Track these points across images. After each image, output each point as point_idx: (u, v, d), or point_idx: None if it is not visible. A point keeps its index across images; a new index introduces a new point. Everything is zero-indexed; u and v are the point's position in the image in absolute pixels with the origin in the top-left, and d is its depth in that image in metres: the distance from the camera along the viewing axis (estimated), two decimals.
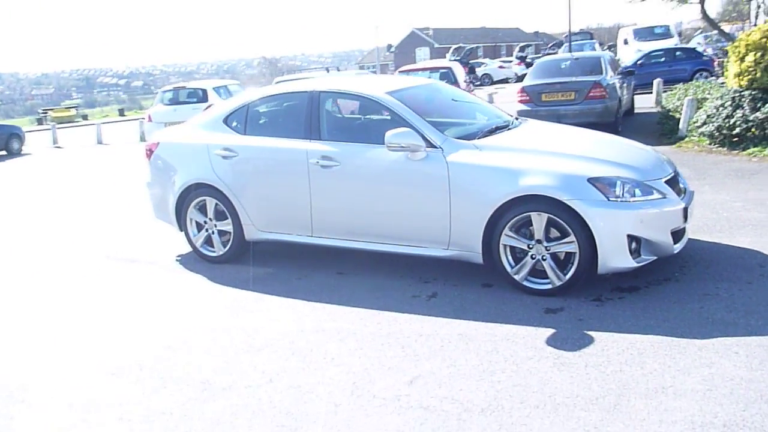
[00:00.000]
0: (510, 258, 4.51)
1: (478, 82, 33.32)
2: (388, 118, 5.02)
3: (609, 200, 4.19)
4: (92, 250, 6.66)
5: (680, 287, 4.40)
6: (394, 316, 4.33)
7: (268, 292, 4.99)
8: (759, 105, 8.75)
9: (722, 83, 12.03)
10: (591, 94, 11.14)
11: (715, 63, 20.88)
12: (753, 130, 8.76)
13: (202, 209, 5.76)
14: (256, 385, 3.54)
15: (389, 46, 67.51)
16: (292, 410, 3.25)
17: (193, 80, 26.20)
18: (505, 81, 34.86)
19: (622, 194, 4.23)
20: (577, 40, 29.74)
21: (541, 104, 11.42)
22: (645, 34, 26.26)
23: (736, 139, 9.01)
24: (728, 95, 9.33)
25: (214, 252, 5.81)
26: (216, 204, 5.65)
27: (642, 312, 4.06)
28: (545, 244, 4.36)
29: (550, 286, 4.40)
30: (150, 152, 6.12)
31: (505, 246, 4.48)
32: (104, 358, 4.04)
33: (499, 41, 73.88)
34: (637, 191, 4.28)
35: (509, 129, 5.19)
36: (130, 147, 18.31)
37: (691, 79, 19.44)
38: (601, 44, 32.61)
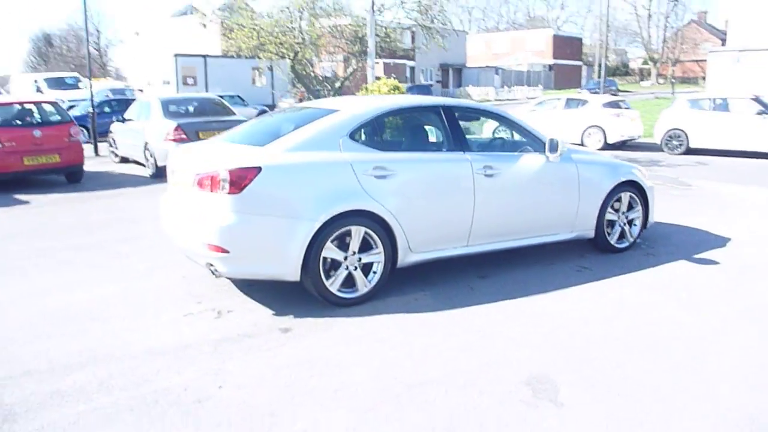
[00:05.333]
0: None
1: None
2: (507, 130, 5.79)
3: (646, 182, 6.49)
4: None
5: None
6: (611, 282, 5.45)
7: (483, 302, 4.99)
8: None
9: None
10: None
11: None
12: None
13: (340, 243, 4.80)
14: None
15: None
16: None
17: None
18: None
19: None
20: None
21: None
22: (57, 83, 25.67)
23: None
24: None
25: (355, 292, 4.89)
26: (365, 233, 4.85)
27: (677, 249, 6.58)
28: (626, 214, 6.31)
29: (628, 244, 6.36)
30: (240, 182, 4.47)
31: (607, 221, 6.16)
32: None
33: None
34: None
35: None
36: None
37: None
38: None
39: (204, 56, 29.27)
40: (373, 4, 13.03)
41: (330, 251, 4.72)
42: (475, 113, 5.83)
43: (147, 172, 12.12)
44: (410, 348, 4.15)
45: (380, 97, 6.10)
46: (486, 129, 6.25)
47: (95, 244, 6.98)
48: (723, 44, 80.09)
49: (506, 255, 5.97)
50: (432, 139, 5.51)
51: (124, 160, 14.01)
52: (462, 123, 5.59)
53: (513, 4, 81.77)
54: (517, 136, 5.91)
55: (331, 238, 4.69)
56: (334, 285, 4.77)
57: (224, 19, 14.13)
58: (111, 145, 14.31)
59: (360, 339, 4.30)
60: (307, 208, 4.61)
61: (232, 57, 32.14)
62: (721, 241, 6.69)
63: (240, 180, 4.47)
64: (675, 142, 15.93)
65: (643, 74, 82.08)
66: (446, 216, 5.23)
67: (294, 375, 3.78)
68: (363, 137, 5.03)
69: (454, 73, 53.07)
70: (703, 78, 71.78)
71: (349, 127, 4.96)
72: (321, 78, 14.17)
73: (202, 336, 4.38)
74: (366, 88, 12.53)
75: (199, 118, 11.72)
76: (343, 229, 4.74)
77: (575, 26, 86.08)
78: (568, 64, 63.95)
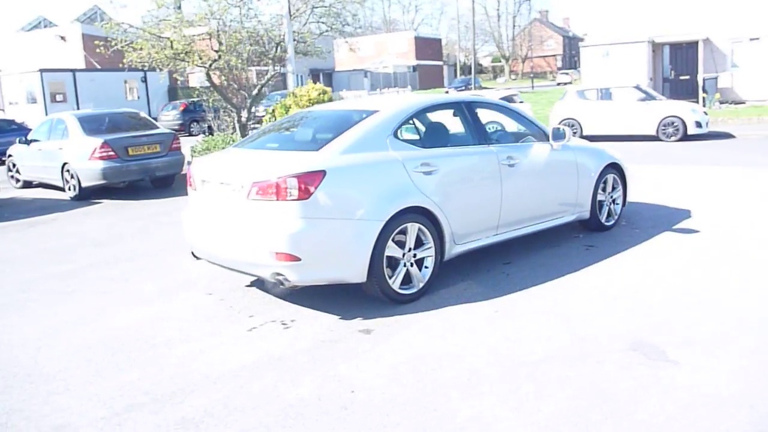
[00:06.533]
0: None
1: None
2: (514, 122, 6.11)
3: (624, 164, 7.07)
4: None
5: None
6: (624, 255, 5.92)
7: (528, 285, 5.27)
8: None
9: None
10: (174, 146, 11.40)
11: None
12: None
13: (398, 241, 4.86)
14: None
15: None
16: None
17: None
18: None
19: None
20: None
21: (129, 159, 10.75)
22: None
23: None
24: None
25: (412, 288, 4.96)
26: (419, 229, 4.95)
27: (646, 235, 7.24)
28: (611, 194, 6.86)
29: (613, 222, 6.91)
30: (308, 187, 4.40)
31: (598, 201, 6.66)
32: None
33: None
34: None
35: None
36: None
37: None
38: None
39: (72, 70, 27.28)
40: (289, 9, 12.93)
41: (391, 249, 4.76)
42: (487, 107, 6.06)
43: (67, 194, 11.21)
44: (502, 333, 4.30)
45: (409, 96, 6.17)
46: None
47: (77, 271, 6.45)
48: (564, 41, 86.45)
49: (514, 243, 6.24)
50: (459, 133, 5.68)
51: (27, 184, 12.85)
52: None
53: (369, 8, 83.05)
54: (520, 127, 6.24)
55: (392, 236, 4.74)
56: (395, 283, 4.82)
57: (113, 34, 13.28)
58: (10, 170, 13.06)
59: (448, 331, 4.39)
60: (371, 208, 4.62)
61: (101, 70, 30.31)
62: (684, 213, 7.44)
63: (308, 185, 4.40)
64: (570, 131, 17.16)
65: (496, 71, 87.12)
66: (481, 206, 5.44)
67: (415, 370, 3.81)
68: (405, 135, 5.11)
69: (324, 78, 53.25)
70: (551, 72, 77.77)
71: (392, 125, 5.03)
72: (236, 87, 13.80)
73: (286, 347, 4.26)
74: (293, 93, 12.41)
75: (125, 134, 11.02)
76: (402, 227, 4.80)
77: (430, 28, 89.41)
78: (430, 65, 66.37)
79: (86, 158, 10.58)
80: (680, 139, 15.92)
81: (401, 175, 4.84)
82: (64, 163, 11.01)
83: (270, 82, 14.19)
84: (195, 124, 26.31)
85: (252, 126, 14.07)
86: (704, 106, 21.33)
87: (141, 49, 12.96)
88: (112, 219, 9.25)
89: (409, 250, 4.90)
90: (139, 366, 4.09)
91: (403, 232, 4.84)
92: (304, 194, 4.39)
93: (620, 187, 6.92)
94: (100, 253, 7.21)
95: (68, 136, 11.10)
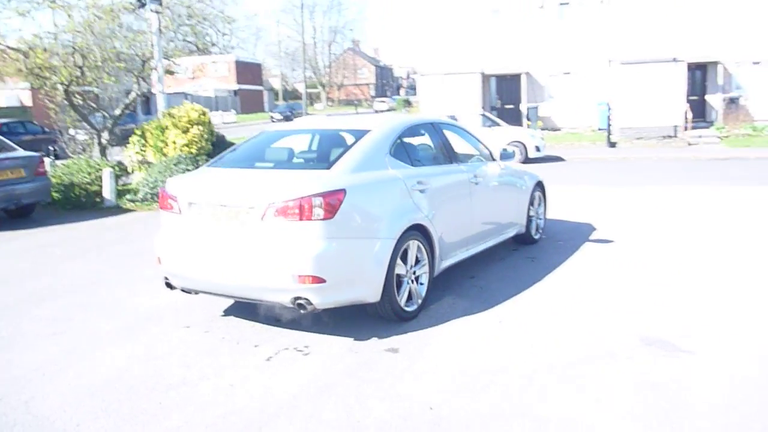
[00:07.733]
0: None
1: None
2: (468, 143, 6.44)
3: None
4: None
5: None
6: (569, 264, 6.49)
7: (508, 296, 5.59)
8: None
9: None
10: (39, 170, 10.20)
11: None
12: None
13: (403, 258, 4.91)
14: None
15: None
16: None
17: None
18: None
19: None
20: None
21: None
22: None
23: None
24: (183, 160, 11.23)
25: (413, 305, 5.01)
26: (419, 246, 5.04)
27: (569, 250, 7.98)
28: (537, 210, 7.46)
29: (539, 235, 7.51)
30: (333, 206, 4.30)
31: (530, 216, 7.22)
32: None
33: None
34: None
35: None
36: None
37: None
38: None
39: None
40: (159, 26, 12.23)
41: (399, 267, 4.79)
42: (447, 127, 6.25)
43: None
44: (523, 340, 4.52)
45: (392, 116, 6.13)
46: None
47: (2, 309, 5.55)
48: (376, 70, 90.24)
49: (468, 260, 6.49)
50: (433, 153, 5.82)
51: None
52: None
53: (183, 32, 79.95)
54: (469, 147, 6.57)
55: (399, 254, 4.77)
56: (402, 300, 4.85)
57: None
58: None
59: (471, 343, 4.50)
60: (384, 226, 4.63)
61: None
62: (589, 226, 8.30)
63: (333, 204, 4.30)
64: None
65: (312, 97, 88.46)
66: (458, 223, 5.65)
67: (473, 382, 3.87)
68: (396, 154, 5.16)
69: (141, 100, 50.26)
70: (366, 100, 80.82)
71: (388, 144, 5.07)
72: (94, 107, 12.67)
73: (323, 373, 4.09)
74: (169, 114, 11.70)
75: None
76: (405, 245, 4.85)
77: (246, 52, 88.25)
78: (251, 89, 65.67)
79: None
80: (523, 162, 17.48)
81: (404, 193, 4.90)
82: None
83: (134, 102, 13.21)
84: None
85: (114, 145, 12.98)
86: None
87: None
88: None
89: (410, 267, 4.95)
90: (173, 409, 3.68)
91: (405, 250, 4.88)
92: (329, 213, 4.28)
93: (543, 204, 7.55)
94: (7, 291, 6.25)
95: None
